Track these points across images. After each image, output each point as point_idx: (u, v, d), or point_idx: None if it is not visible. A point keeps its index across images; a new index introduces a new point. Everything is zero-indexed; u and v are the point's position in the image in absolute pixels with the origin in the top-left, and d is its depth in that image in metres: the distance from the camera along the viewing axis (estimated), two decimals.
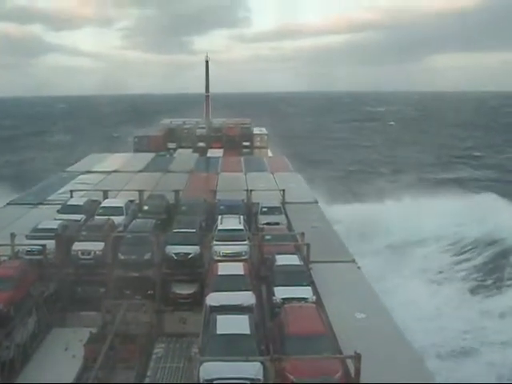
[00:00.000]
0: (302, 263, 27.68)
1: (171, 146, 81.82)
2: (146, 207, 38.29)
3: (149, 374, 22.45)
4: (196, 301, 26.90)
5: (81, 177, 52.82)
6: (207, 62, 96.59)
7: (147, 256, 28.91)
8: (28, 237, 30.27)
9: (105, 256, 29.19)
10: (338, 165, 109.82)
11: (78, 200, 39.65)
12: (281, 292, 24.54)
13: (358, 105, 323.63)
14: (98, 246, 29.44)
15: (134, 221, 34.74)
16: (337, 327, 21.78)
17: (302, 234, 31.05)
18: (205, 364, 18.12)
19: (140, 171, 55.56)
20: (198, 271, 28.70)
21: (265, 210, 37.48)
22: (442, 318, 40.05)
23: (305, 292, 24.73)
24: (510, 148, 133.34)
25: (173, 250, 29.27)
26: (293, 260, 27.69)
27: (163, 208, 38.34)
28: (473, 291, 46.38)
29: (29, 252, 28.78)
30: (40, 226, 31.63)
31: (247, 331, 20.09)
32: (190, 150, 77.68)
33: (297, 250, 29.85)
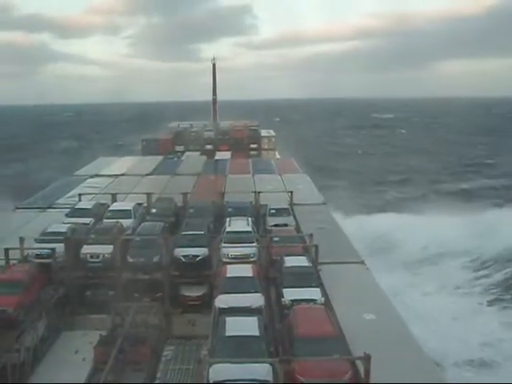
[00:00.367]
0: (311, 264, 27.60)
1: (179, 148, 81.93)
2: (154, 210, 38.30)
3: (158, 376, 22.43)
4: (205, 303, 26.90)
5: (89, 180, 53.01)
6: (214, 64, 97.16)
7: (156, 259, 28.91)
8: (37, 240, 30.43)
9: (113, 259, 29.18)
10: (347, 173, 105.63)
11: (86, 203, 39.83)
12: (289, 293, 24.48)
13: (364, 111, 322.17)
14: (106, 249, 29.49)
15: (142, 224, 34.75)
16: (346, 328, 21.70)
17: (311, 235, 30.92)
18: (214, 366, 18.10)
19: (148, 174, 55.73)
20: (206, 273, 28.66)
21: (273, 211, 37.48)
22: (460, 328, 39.66)
23: (313, 293, 24.67)
24: None
25: (181, 252, 29.23)
26: (301, 261, 27.63)
27: (171, 211, 38.37)
28: (491, 303, 46.00)
29: (38, 256, 28.84)
30: (49, 230, 31.74)
31: (256, 333, 20.06)
32: (198, 153, 77.79)
33: (305, 252, 29.82)
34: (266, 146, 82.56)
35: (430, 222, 60.87)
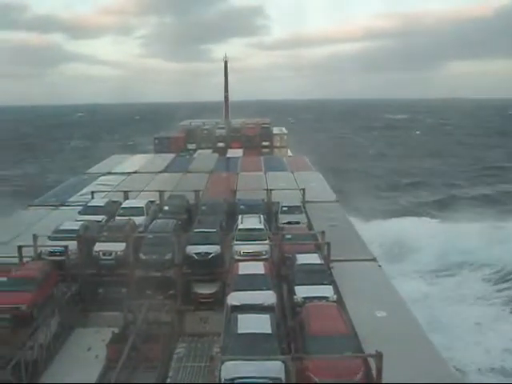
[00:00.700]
0: (323, 262, 27.54)
1: (191, 146, 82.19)
2: (166, 207, 38.37)
3: (170, 374, 22.46)
4: (217, 300, 26.94)
5: (102, 178, 53.19)
6: (226, 62, 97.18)
7: (168, 256, 28.98)
8: (50, 238, 30.57)
9: (126, 256, 29.30)
10: (363, 176, 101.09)
11: (98, 201, 39.97)
12: (302, 291, 24.44)
13: (378, 112, 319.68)
14: (119, 247, 29.61)
15: (154, 221, 34.82)
16: (358, 326, 21.64)
17: (323, 232, 30.84)
18: (226, 363, 18.09)
19: (160, 172, 55.88)
20: (218, 271, 28.68)
21: (285, 209, 37.42)
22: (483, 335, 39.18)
23: (326, 291, 24.63)
24: None
25: (194, 249, 29.26)
26: (313, 259, 27.57)
27: (184, 208, 38.42)
28: None
29: (51, 253, 29.03)
30: (62, 227, 31.87)
31: (268, 330, 20.05)
32: (210, 151, 78.00)
33: (317, 249, 29.76)
34: (277, 144, 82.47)
35: (448, 229, 59.67)
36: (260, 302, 22.79)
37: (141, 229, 34.07)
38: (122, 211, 36.78)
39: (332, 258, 28.77)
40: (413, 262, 53.24)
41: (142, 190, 45.35)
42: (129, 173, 55.28)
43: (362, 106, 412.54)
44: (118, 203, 39.18)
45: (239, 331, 20.00)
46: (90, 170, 58.92)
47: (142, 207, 37.18)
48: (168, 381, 21.96)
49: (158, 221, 34.83)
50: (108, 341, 23.24)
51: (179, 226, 33.82)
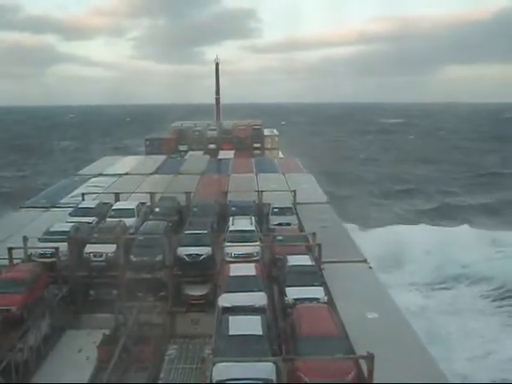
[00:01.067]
0: (314, 263, 27.63)
1: (182, 148, 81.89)
2: (157, 209, 38.35)
3: (162, 375, 22.47)
4: (208, 302, 26.95)
5: (93, 180, 52.99)
6: (217, 64, 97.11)
7: (159, 258, 28.96)
8: (41, 240, 30.50)
9: (117, 258, 29.26)
10: (358, 181, 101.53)
11: (89, 203, 39.95)
12: (292, 292, 24.50)
13: (373, 115, 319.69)
14: (109, 248, 29.58)
15: (145, 223, 34.78)
16: (349, 327, 21.70)
17: (314, 234, 30.95)
18: (217, 365, 18.10)
19: (151, 173, 55.74)
20: (209, 272, 28.67)
21: (276, 210, 37.52)
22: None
23: (317, 292, 24.69)
24: None
25: (184, 251, 29.25)
26: (304, 260, 27.66)
27: (174, 210, 38.42)
28: None
29: (42, 255, 28.99)
30: (52, 229, 31.83)
31: (260, 332, 20.07)
32: (201, 152, 77.78)
33: (308, 251, 29.84)
34: (269, 146, 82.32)
35: (444, 239, 58.14)
36: (251, 304, 22.77)
37: (131, 230, 34.06)
38: (112, 213, 36.71)
39: (323, 259, 28.81)
40: (408, 274, 52.36)
41: (133, 192, 45.30)
42: (120, 174, 55.11)
43: (357, 109, 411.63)
44: (108, 205, 39.10)
45: (230, 333, 20.02)
46: (81, 172, 58.75)
47: (133, 209, 37.13)
48: (159, 382, 21.95)
49: (149, 222, 34.78)
50: (99, 343, 23.19)
51: (170, 227, 33.84)
